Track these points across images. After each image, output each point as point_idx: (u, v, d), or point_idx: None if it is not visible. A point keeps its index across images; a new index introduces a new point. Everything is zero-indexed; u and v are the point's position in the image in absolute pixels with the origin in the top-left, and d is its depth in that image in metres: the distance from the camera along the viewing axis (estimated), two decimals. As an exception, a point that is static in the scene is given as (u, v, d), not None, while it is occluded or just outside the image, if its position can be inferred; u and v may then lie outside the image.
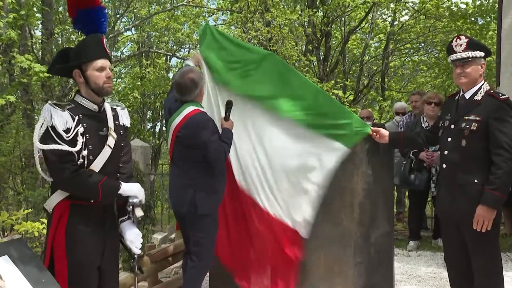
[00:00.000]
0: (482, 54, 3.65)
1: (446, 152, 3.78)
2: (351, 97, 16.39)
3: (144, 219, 8.36)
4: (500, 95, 3.62)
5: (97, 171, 3.07)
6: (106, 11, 3.29)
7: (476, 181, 3.59)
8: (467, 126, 3.60)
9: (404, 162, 6.61)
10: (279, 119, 4.38)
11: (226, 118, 4.20)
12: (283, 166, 4.34)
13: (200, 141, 3.89)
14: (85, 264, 3.06)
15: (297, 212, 4.29)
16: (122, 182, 3.19)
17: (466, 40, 3.64)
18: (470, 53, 3.62)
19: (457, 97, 3.84)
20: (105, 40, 3.20)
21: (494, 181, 3.49)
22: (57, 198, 3.05)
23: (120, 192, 3.15)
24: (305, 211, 4.27)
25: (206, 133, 3.89)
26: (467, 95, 3.72)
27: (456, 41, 3.68)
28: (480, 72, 3.68)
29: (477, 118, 3.57)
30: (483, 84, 3.69)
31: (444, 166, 3.81)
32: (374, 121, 9.12)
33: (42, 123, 2.96)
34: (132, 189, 3.21)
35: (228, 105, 4.22)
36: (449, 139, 3.75)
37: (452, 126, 3.74)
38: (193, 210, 4.02)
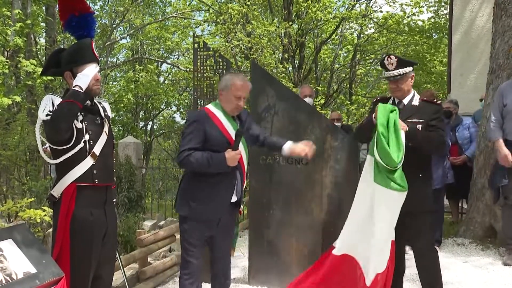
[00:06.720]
0: (411, 68, 3.74)
1: None
2: (322, 101, 16.46)
3: (136, 208, 8.35)
4: (435, 100, 3.83)
5: (97, 154, 3.05)
6: (95, 18, 3.27)
7: (420, 175, 3.65)
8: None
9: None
10: None
11: (234, 148, 3.30)
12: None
13: None
14: (88, 246, 3.00)
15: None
16: None
17: (396, 59, 3.70)
18: (401, 71, 3.69)
19: (390, 103, 3.81)
20: (94, 44, 3.17)
21: (427, 132, 3.63)
22: (66, 182, 2.97)
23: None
24: None
25: (183, 132, 3.43)
26: (405, 101, 3.78)
27: (387, 60, 3.73)
28: (411, 84, 3.79)
29: (420, 120, 3.66)
30: (414, 92, 3.82)
31: None
32: (343, 122, 9.18)
33: (44, 108, 2.92)
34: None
35: (238, 135, 3.35)
36: None
37: None
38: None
